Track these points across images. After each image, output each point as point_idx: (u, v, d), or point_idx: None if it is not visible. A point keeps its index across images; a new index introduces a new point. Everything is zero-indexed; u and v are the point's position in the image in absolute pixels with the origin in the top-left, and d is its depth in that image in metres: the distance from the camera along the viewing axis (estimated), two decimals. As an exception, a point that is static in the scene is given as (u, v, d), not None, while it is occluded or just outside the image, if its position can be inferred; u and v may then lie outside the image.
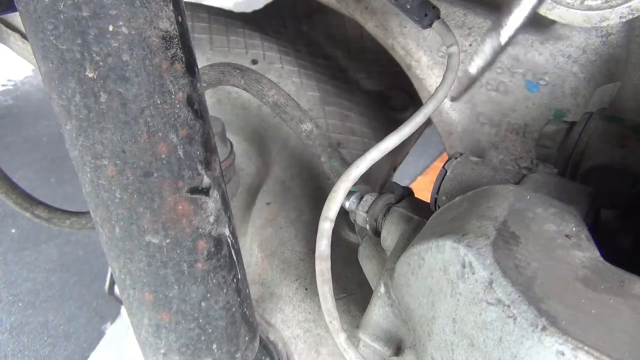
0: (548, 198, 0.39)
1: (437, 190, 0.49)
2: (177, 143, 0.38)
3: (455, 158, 0.51)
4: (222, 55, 0.99)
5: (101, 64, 0.33)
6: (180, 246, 0.41)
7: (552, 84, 0.64)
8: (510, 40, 0.51)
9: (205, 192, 0.41)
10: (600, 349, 0.27)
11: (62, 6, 0.32)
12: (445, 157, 0.58)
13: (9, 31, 0.95)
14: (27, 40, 0.48)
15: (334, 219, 0.50)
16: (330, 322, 0.49)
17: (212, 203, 0.42)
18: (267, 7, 1.19)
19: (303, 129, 0.67)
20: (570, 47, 0.62)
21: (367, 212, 0.57)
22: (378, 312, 0.51)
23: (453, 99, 0.68)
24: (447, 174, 0.50)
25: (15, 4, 0.34)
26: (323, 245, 0.49)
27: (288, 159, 0.90)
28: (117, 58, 0.33)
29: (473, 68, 0.42)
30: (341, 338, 0.49)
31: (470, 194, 0.42)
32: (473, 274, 0.32)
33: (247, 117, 0.97)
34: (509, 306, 0.30)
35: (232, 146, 0.82)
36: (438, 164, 2.19)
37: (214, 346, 0.46)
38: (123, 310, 1.56)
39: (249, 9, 1.18)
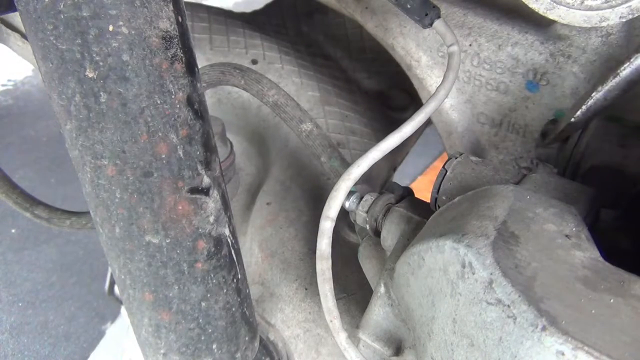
0: (548, 198, 0.39)
1: (437, 190, 0.49)
2: (177, 143, 0.38)
3: (455, 158, 0.51)
4: (222, 55, 0.99)
5: (101, 64, 0.33)
6: (180, 246, 0.41)
7: (552, 84, 0.64)
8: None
9: (205, 192, 0.41)
10: (600, 349, 0.27)
11: (62, 6, 0.32)
12: (445, 157, 0.58)
13: (9, 31, 0.95)
14: (27, 40, 0.49)
15: (334, 218, 0.50)
16: (331, 321, 0.49)
17: (212, 203, 0.42)
18: (267, 7, 1.20)
19: (303, 129, 0.67)
20: (570, 47, 0.62)
21: (367, 212, 0.57)
22: (378, 312, 0.51)
23: None
24: (447, 174, 0.50)
25: (15, 4, 0.34)
26: (324, 244, 0.49)
27: (288, 159, 0.90)
28: (117, 58, 0.33)
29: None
30: (342, 337, 0.49)
31: (470, 194, 0.42)
32: (473, 274, 0.32)
33: (247, 117, 0.97)
34: (509, 306, 0.30)
35: (232, 146, 0.82)
36: (438, 164, 2.19)
37: (214, 346, 0.46)
38: (123, 310, 1.56)
39: (249, 9, 1.18)
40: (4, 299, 1.67)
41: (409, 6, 0.54)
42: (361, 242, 0.64)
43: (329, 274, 0.49)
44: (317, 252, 0.49)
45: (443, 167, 0.50)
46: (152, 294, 0.42)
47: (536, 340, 0.28)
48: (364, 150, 0.51)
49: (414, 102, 1.05)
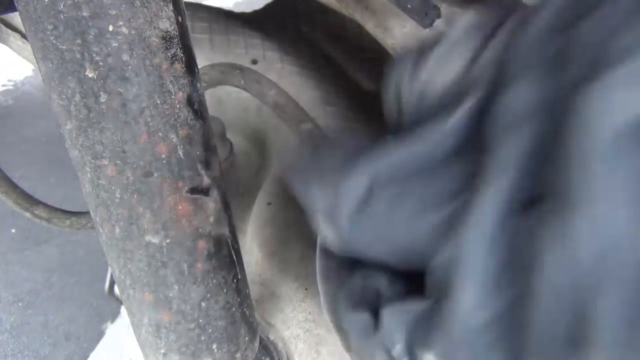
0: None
1: None
2: (177, 143, 0.38)
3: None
4: (222, 55, 0.99)
5: (101, 64, 0.33)
6: (180, 246, 0.41)
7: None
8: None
9: (205, 192, 0.41)
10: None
11: (62, 6, 0.32)
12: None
13: (9, 31, 0.95)
14: (27, 40, 0.49)
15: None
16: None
17: (212, 203, 0.42)
18: (267, 7, 1.19)
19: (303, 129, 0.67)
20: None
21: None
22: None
23: None
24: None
25: (15, 4, 0.34)
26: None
27: (288, 159, 0.90)
28: (117, 58, 0.33)
29: None
30: (341, 337, 0.49)
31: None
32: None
33: (247, 117, 0.97)
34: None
35: (232, 146, 0.82)
36: (438, 164, 2.19)
37: (214, 346, 0.46)
38: (123, 310, 1.56)
39: (249, 9, 1.18)
40: (4, 299, 1.67)
41: (409, 6, 0.54)
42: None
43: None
44: (318, 250, 0.49)
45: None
46: (152, 294, 0.42)
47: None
48: (364, 150, 0.51)
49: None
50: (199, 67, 0.42)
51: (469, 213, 0.21)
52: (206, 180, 0.41)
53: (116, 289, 1.02)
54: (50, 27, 0.32)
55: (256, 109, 0.96)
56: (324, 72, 1.04)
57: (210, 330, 0.45)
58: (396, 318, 0.25)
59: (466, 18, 0.26)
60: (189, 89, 0.38)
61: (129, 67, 0.34)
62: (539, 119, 0.20)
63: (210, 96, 0.96)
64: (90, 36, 0.33)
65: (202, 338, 0.45)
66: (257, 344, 0.52)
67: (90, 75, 0.33)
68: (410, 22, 0.71)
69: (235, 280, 0.46)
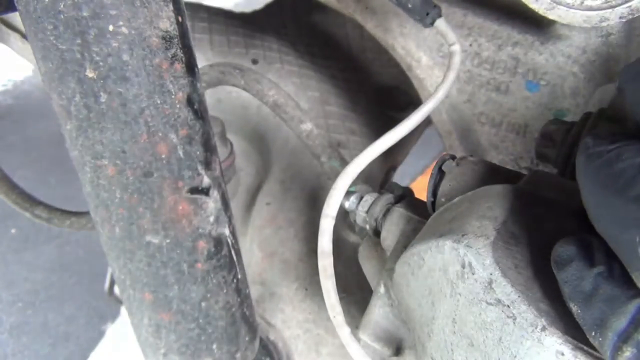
0: (548, 198, 0.39)
1: (432, 193, 0.49)
2: (177, 143, 0.38)
3: (453, 159, 0.50)
4: (222, 55, 0.99)
5: (101, 64, 0.33)
6: (181, 246, 0.41)
7: (552, 84, 0.64)
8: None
9: (205, 192, 0.41)
10: (600, 349, 0.27)
11: (62, 6, 0.32)
12: (444, 157, 0.57)
13: (9, 31, 0.95)
14: (27, 40, 0.49)
15: (334, 216, 0.50)
16: (334, 316, 0.49)
17: (212, 203, 0.42)
18: (267, 7, 1.19)
19: (303, 129, 0.67)
20: (570, 47, 0.62)
21: (367, 212, 0.57)
22: (378, 312, 0.51)
23: None
24: (446, 175, 0.49)
25: (15, 4, 0.34)
26: (325, 241, 0.49)
27: (288, 158, 0.90)
28: (117, 58, 0.33)
29: None
30: (345, 332, 0.49)
31: (470, 194, 0.42)
32: (473, 274, 0.32)
33: (247, 117, 0.97)
34: (508, 306, 0.30)
35: (232, 146, 0.82)
36: (438, 164, 2.18)
37: (214, 346, 0.46)
38: (123, 310, 1.56)
39: (249, 9, 1.18)
40: (4, 299, 1.67)
41: (410, 5, 0.54)
42: (361, 242, 0.64)
43: (331, 270, 0.49)
44: (319, 249, 0.49)
45: (440, 169, 0.49)
46: (152, 294, 0.42)
47: (536, 340, 0.28)
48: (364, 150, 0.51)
49: (414, 102, 1.05)
50: (199, 67, 0.42)
51: None
52: (206, 180, 0.41)
53: (116, 289, 1.03)
54: (50, 27, 0.32)
55: (256, 108, 0.96)
56: (324, 72, 1.04)
57: (210, 331, 0.45)
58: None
59: None
60: (189, 89, 0.38)
61: (129, 67, 0.34)
62: None
63: (210, 96, 0.96)
64: (90, 36, 0.33)
65: (202, 338, 0.45)
66: (257, 344, 0.52)
67: (90, 75, 0.34)
68: (410, 22, 0.71)
69: (235, 280, 0.46)
